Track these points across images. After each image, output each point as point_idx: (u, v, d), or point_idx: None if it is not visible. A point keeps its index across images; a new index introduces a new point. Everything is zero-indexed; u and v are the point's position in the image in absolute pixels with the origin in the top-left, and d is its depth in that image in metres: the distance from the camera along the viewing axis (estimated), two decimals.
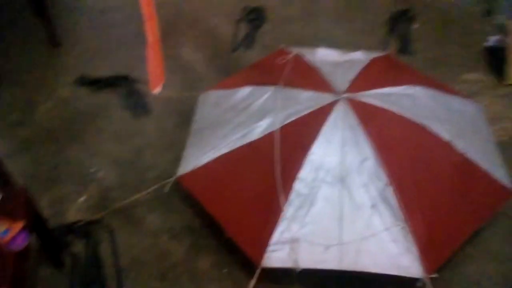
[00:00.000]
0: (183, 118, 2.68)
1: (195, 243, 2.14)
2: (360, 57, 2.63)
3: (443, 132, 2.06)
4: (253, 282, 1.83)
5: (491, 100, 2.83)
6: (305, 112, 2.14)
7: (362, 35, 3.39)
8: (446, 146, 2.03)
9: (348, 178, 1.94)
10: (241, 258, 1.98)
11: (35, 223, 1.77)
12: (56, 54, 3.30)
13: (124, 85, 2.98)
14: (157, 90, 2.24)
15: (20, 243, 1.54)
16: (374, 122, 2.06)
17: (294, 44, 2.90)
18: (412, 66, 2.89)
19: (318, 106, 2.15)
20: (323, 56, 2.65)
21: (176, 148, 2.51)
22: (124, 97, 2.92)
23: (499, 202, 2.03)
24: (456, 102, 2.38)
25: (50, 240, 1.97)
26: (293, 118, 2.14)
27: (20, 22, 3.49)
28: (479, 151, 2.11)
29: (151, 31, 2.04)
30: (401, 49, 3.23)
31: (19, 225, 1.54)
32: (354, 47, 2.83)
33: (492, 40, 3.13)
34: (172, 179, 2.17)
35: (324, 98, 2.18)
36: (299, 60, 2.54)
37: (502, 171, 2.10)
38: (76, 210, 2.29)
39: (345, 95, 2.17)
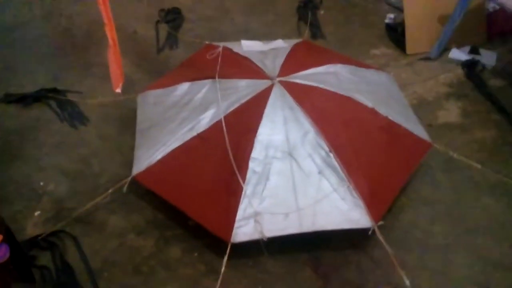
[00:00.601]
0: (123, 122, 2.75)
1: (162, 236, 2.24)
2: (282, 44, 2.89)
3: (366, 101, 2.37)
4: (225, 258, 1.98)
5: (397, 69, 3.25)
6: (246, 99, 2.34)
7: (276, 25, 3.67)
8: (371, 112, 2.34)
9: (294, 151, 2.17)
10: (208, 241, 2.14)
11: (7, 237, 1.77)
12: None
13: (53, 97, 2.93)
14: (118, 89, 2.29)
15: (2, 255, 1.55)
16: (307, 99, 2.31)
17: (217, 40, 3.09)
18: (326, 47, 3.23)
19: (256, 92, 2.36)
20: (248, 47, 2.87)
21: (122, 152, 2.59)
22: (57, 109, 2.88)
23: (421, 154, 2.39)
24: (371, 74, 2.73)
25: (20, 255, 1.95)
26: (235, 106, 2.33)
27: None
28: (398, 113, 2.45)
29: (110, 34, 2.10)
30: (313, 34, 3.55)
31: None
32: (272, 37, 3.10)
33: (390, 17, 3.56)
34: (128, 179, 2.24)
35: (260, 84, 2.40)
36: (228, 53, 2.74)
37: (419, 128, 2.47)
38: (33, 226, 2.26)
39: (278, 79, 2.40)
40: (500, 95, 3.01)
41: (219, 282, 1.93)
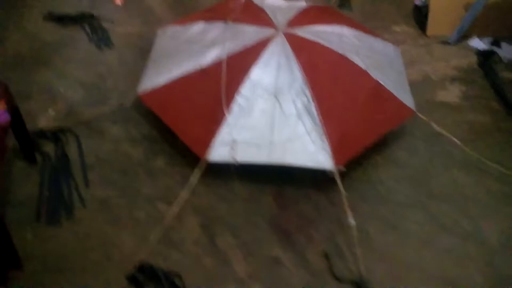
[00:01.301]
0: (142, 51, 3.01)
1: (152, 148, 2.51)
2: (302, 5, 3.05)
3: (361, 63, 2.51)
4: (196, 171, 2.22)
5: (412, 47, 3.33)
6: (250, 42, 2.54)
7: None
8: (363, 73, 2.48)
9: (280, 94, 2.36)
10: (190, 160, 2.37)
11: (14, 119, 2.08)
12: None
13: (89, 21, 3.27)
14: (118, 1, 2.54)
15: (3, 119, 1.87)
16: (304, 51, 2.48)
17: None
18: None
19: (260, 38, 2.56)
20: (271, 2, 3.05)
21: (135, 75, 2.82)
22: (89, 32, 3.22)
23: (401, 118, 2.52)
24: (378, 43, 2.84)
25: (26, 138, 2.29)
26: (239, 47, 2.53)
27: None
28: (391, 80, 2.57)
29: None
30: (340, 3, 3.67)
31: (2, 104, 1.87)
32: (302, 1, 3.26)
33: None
34: (133, 96, 2.54)
35: (265, 32, 2.60)
36: (248, 3, 2.93)
37: (407, 97, 2.58)
38: (45, 121, 2.60)
39: (283, 29, 2.59)
40: (508, 87, 3.03)
41: (186, 188, 2.21)
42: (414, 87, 2.92)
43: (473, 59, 3.26)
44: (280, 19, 2.69)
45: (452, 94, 2.98)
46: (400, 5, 3.74)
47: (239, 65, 2.46)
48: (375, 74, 2.50)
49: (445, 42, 3.37)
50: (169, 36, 2.88)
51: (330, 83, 2.42)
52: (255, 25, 2.66)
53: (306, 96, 2.32)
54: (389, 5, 3.74)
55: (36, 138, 2.48)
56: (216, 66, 2.48)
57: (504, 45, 3.35)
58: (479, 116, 2.85)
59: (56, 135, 2.51)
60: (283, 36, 2.54)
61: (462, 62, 3.22)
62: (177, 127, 2.39)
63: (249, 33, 2.61)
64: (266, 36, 2.55)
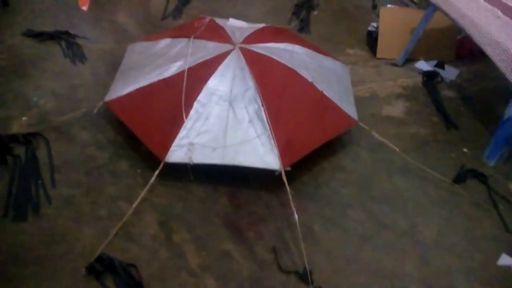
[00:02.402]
0: (114, 65, 3.21)
1: (117, 153, 2.70)
2: (259, 26, 3.34)
3: (308, 76, 2.78)
4: (156, 172, 2.42)
5: (363, 68, 3.64)
6: (209, 56, 2.80)
7: (271, 15, 4.14)
8: (309, 85, 2.75)
9: (234, 102, 2.60)
10: (151, 164, 2.56)
11: None
12: (5, 13, 3.76)
13: (64, 38, 3.50)
14: (84, 7, 2.77)
15: None
16: (257, 64, 2.74)
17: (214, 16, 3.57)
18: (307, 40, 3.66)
19: (219, 52, 2.82)
20: (231, 23, 3.35)
21: (106, 86, 3.05)
22: (65, 47, 3.44)
23: (344, 126, 2.79)
24: (327, 61, 3.13)
25: None
26: (199, 61, 2.78)
27: None
28: (336, 93, 2.84)
29: None
30: (300, 28, 3.99)
31: None
32: (264, 24, 3.55)
33: (373, 25, 3.93)
34: (100, 104, 2.75)
35: (224, 47, 2.86)
36: (211, 23, 3.21)
37: (351, 108, 2.85)
38: (18, 126, 2.78)
39: (239, 45, 2.86)
40: (447, 103, 3.34)
41: (147, 187, 2.40)
42: (362, 102, 3.23)
43: (418, 79, 3.58)
44: (238, 37, 2.96)
45: (397, 109, 3.27)
46: (355, 31, 4.08)
47: (198, 75, 2.70)
48: (321, 87, 2.77)
49: (394, 64, 3.69)
50: (138, 51, 3.12)
51: (280, 93, 2.67)
52: (215, 41, 2.92)
53: (257, 103, 2.56)
54: (345, 31, 4.08)
55: (8, 141, 2.65)
56: (177, 76, 2.71)
57: (447, 67, 3.69)
58: (420, 128, 3.13)
59: (27, 139, 2.68)
60: (239, 50, 2.81)
61: (408, 82, 3.54)
62: (140, 131, 2.59)
63: (209, 48, 2.87)
64: (224, 51, 2.81)
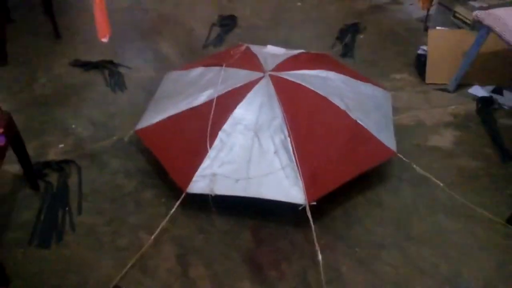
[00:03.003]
0: (151, 94, 3.25)
1: (144, 181, 2.68)
2: (297, 52, 3.24)
3: (341, 104, 2.62)
4: (177, 203, 2.36)
5: (410, 94, 3.39)
6: (239, 84, 2.73)
7: (314, 41, 4.02)
8: (342, 113, 2.58)
9: (259, 131, 2.49)
10: (177, 193, 2.50)
11: (16, 145, 2.35)
12: (57, 44, 3.98)
13: (108, 67, 3.62)
14: (104, 39, 2.83)
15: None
16: (286, 92, 2.63)
17: (254, 44, 3.54)
18: (350, 66, 3.50)
19: (249, 80, 2.74)
20: (268, 49, 3.28)
21: (141, 115, 3.11)
22: (107, 76, 3.55)
23: (380, 158, 2.55)
24: (366, 87, 2.94)
25: (28, 166, 2.54)
26: (229, 89, 2.73)
27: (31, 18, 4.21)
28: (372, 122, 2.65)
29: None
30: (343, 53, 3.82)
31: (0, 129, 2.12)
32: (306, 49, 3.46)
33: (423, 48, 3.68)
34: (131, 132, 2.77)
35: (254, 75, 2.78)
36: (246, 51, 3.17)
37: (389, 138, 2.63)
38: (54, 153, 2.86)
39: (269, 73, 2.77)
40: (505, 133, 3.00)
41: (166, 218, 2.35)
42: (406, 131, 2.99)
43: (471, 106, 3.26)
44: (270, 64, 2.88)
45: (445, 139, 2.98)
46: (404, 55, 3.84)
47: (226, 104, 2.63)
48: (355, 115, 2.59)
49: (444, 90, 3.41)
50: (172, 79, 3.14)
51: (308, 122, 2.52)
52: (246, 69, 2.86)
53: (283, 133, 2.44)
54: (392, 55, 3.85)
55: (42, 168, 2.73)
56: (206, 105, 2.67)
57: (506, 92, 3.34)
58: (470, 161, 2.82)
59: (60, 166, 2.75)
60: (269, 78, 2.71)
61: (460, 109, 3.23)
62: (165, 160, 2.56)
63: (239, 76, 2.81)
64: (254, 78, 2.73)
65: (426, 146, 2.93)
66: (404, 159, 2.58)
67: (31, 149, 2.86)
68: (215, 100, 2.67)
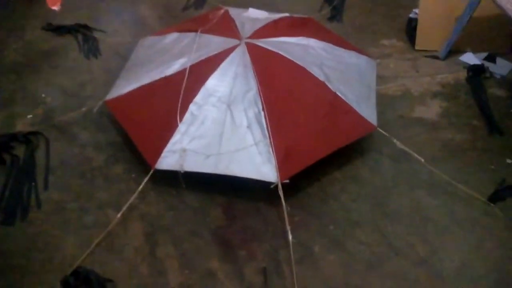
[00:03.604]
0: (126, 60, 3.11)
1: (114, 155, 2.58)
2: (280, 16, 3.04)
3: (321, 75, 2.47)
4: (145, 180, 2.27)
5: (397, 62, 3.22)
6: (213, 53, 2.58)
7: (300, 3, 3.81)
8: (320, 85, 2.44)
9: (233, 104, 2.36)
10: (148, 168, 2.41)
11: None
12: (30, 6, 3.76)
13: (82, 32, 3.43)
14: (55, 7, 2.64)
15: None
16: (262, 62, 2.48)
17: (240, 7, 3.34)
18: (337, 31, 3.32)
19: (223, 48, 2.58)
20: (249, 14, 3.09)
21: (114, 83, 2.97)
22: (81, 41, 3.37)
23: (359, 133, 2.42)
24: (349, 55, 2.78)
25: None
26: (202, 57, 2.57)
27: None
28: (353, 93, 2.50)
29: None
30: (331, 16, 3.61)
31: None
32: (290, 12, 3.27)
33: (414, 11, 3.47)
34: (100, 103, 2.64)
35: (229, 43, 2.61)
36: (225, 14, 2.98)
37: (370, 111, 2.49)
38: (23, 124, 2.74)
39: (246, 40, 2.60)
40: (494, 103, 2.86)
41: (134, 195, 2.27)
42: (391, 102, 2.86)
43: (462, 75, 3.09)
44: (247, 30, 2.70)
45: (431, 110, 2.84)
46: (395, 19, 3.63)
47: (198, 74, 2.49)
48: (334, 86, 2.45)
49: (434, 57, 3.23)
50: (146, 46, 2.97)
51: (284, 94, 2.39)
52: (222, 36, 2.69)
53: (257, 106, 2.31)
54: (383, 18, 3.64)
55: (9, 140, 2.62)
56: (179, 75, 2.52)
57: (499, 60, 3.17)
58: (456, 134, 2.70)
59: (27, 138, 2.64)
60: (245, 46, 2.55)
61: (449, 78, 3.07)
62: (134, 134, 2.44)
63: (215, 44, 2.65)
64: (228, 46, 2.57)
65: (410, 118, 2.80)
66: (384, 133, 2.45)
67: None
68: (188, 69, 2.52)
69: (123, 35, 3.43)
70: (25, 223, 2.26)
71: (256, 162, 2.22)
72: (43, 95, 2.95)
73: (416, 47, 3.29)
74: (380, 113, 2.62)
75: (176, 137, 2.31)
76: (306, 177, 2.33)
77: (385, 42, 3.40)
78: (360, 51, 2.89)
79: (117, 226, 2.23)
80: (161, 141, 2.32)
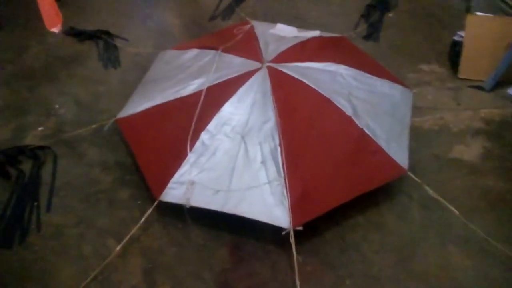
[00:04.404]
0: (144, 72, 2.96)
1: (121, 177, 2.43)
2: (310, 35, 2.81)
3: (348, 108, 2.24)
4: (149, 211, 2.11)
5: (437, 91, 2.93)
6: (231, 76, 2.39)
7: (335, 18, 3.55)
8: (346, 119, 2.20)
9: (248, 135, 2.16)
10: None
11: None
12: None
13: (104, 39, 3.30)
14: (55, 28, 2.49)
15: None
16: (284, 90, 2.27)
17: (267, 19, 3.13)
18: (372, 51, 3.06)
19: (243, 71, 2.39)
20: (277, 30, 2.87)
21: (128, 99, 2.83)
22: (101, 49, 3.24)
23: (386, 177, 2.16)
24: (382, 85, 2.52)
25: None
26: (220, 80, 2.39)
27: None
28: (383, 130, 2.25)
29: None
30: (367, 34, 3.34)
31: None
32: (323, 28, 3.04)
33: (459, 34, 3.16)
34: (111, 121, 2.50)
35: (250, 65, 2.42)
36: (249, 32, 2.77)
37: (401, 150, 2.23)
38: (32, 137, 2.64)
39: (268, 64, 2.39)
40: None
41: (136, 226, 2.11)
42: (427, 137, 2.60)
43: (509, 111, 2.77)
44: (271, 52, 2.49)
45: (471, 151, 2.55)
46: (438, 40, 3.32)
47: (214, 98, 2.31)
48: (362, 122, 2.21)
49: (479, 88, 2.92)
50: (165, 60, 2.81)
51: (305, 129, 2.17)
52: (243, 57, 2.49)
53: (274, 141, 2.11)
54: (424, 40, 3.34)
55: (17, 154, 2.51)
56: (194, 97, 2.36)
57: None
58: (498, 181, 2.40)
59: (35, 153, 2.52)
60: (265, 70, 2.35)
61: (494, 113, 2.76)
62: (142, 158, 2.29)
63: (235, 65, 2.46)
64: (249, 69, 2.38)
65: (447, 158, 2.51)
66: (414, 178, 2.19)
67: (9, 130, 2.69)
68: (204, 92, 2.34)
69: (145, 45, 3.28)
70: (23, 247, 2.14)
71: (268, 203, 2.02)
72: (56, 106, 2.83)
73: (459, 75, 2.98)
74: (413, 151, 2.38)
75: (184, 167, 2.14)
76: (324, 219, 2.10)
77: (425, 67, 3.10)
78: (395, 79, 2.62)
79: (116, 259, 2.08)
80: (169, 170, 2.15)
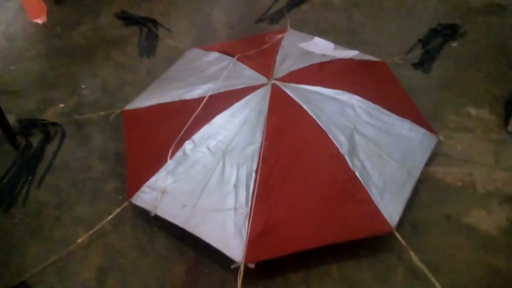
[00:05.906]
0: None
1: (112, 168, 2.44)
2: (343, 55, 2.59)
3: (343, 145, 2.01)
4: (121, 207, 2.10)
5: (476, 141, 2.52)
6: (235, 87, 2.29)
7: (390, 37, 3.21)
8: (338, 158, 1.98)
9: (229, 154, 2.05)
10: None
11: None
12: None
13: (148, 26, 3.34)
14: (39, 20, 2.49)
15: None
16: (280, 112, 2.10)
17: (316, 30, 2.96)
18: (416, 83, 2.75)
19: (249, 84, 2.27)
20: (308, 45, 2.69)
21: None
22: (143, 37, 3.28)
23: (368, 231, 1.90)
24: (401, 126, 2.22)
25: (6, 126, 2.46)
26: (225, 89, 2.29)
27: None
28: (380, 177, 1.99)
29: None
30: (419, 62, 2.98)
31: None
32: (371, 48, 2.80)
33: None
34: (117, 111, 2.52)
35: (257, 79, 2.29)
36: (277, 41, 2.63)
37: (394, 205, 1.95)
38: (52, 112, 2.75)
39: (274, 81, 2.23)
40: None
41: (103, 222, 2.10)
42: (445, 193, 2.29)
43: None
44: (284, 69, 2.34)
45: (492, 220, 2.17)
46: (497, 82, 2.87)
47: (211, 107, 2.23)
48: (356, 164, 1.97)
49: None
50: (188, 59, 2.78)
51: (289, 160, 1.99)
52: (253, 69, 2.36)
53: (252, 166, 1.97)
54: (482, 78, 2.90)
55: (31, 126, 2.64)
56: (196, 102, 2.31)
57: None
58: (511, 264, 2.01)
59: (47, 129, 2.63)
60: (269, 88, 2.20)
61: None
62: (129, 154, 2.28)
63: (243, 76, 2.36)
64: (253, 84, 2.25)
65: (460, 222, 2.16)
66: (401, 241, 1.91)
67: (34, 102, 2.83)
68: (206, 99, 2.26)
69: (185, 39, 3.26)
70: (6, 216, 2.25)
71: (227, 230, 1.89)
72: (82, 86, 2.93)
73: (509, 129, 2.55)
74: (422, 205, 2.13)
75: (161, 173, 2.09)
76: (294, 257, 1.91)
77: (472, 110, 2.70)
78: (421, 120, 2.31)
79: (79, 249, 2.09)
80: (147, 173, 2.11)
